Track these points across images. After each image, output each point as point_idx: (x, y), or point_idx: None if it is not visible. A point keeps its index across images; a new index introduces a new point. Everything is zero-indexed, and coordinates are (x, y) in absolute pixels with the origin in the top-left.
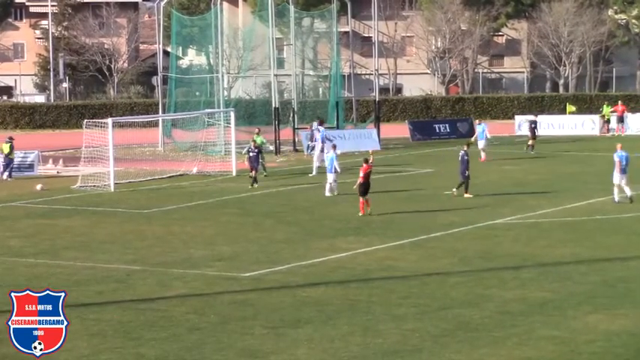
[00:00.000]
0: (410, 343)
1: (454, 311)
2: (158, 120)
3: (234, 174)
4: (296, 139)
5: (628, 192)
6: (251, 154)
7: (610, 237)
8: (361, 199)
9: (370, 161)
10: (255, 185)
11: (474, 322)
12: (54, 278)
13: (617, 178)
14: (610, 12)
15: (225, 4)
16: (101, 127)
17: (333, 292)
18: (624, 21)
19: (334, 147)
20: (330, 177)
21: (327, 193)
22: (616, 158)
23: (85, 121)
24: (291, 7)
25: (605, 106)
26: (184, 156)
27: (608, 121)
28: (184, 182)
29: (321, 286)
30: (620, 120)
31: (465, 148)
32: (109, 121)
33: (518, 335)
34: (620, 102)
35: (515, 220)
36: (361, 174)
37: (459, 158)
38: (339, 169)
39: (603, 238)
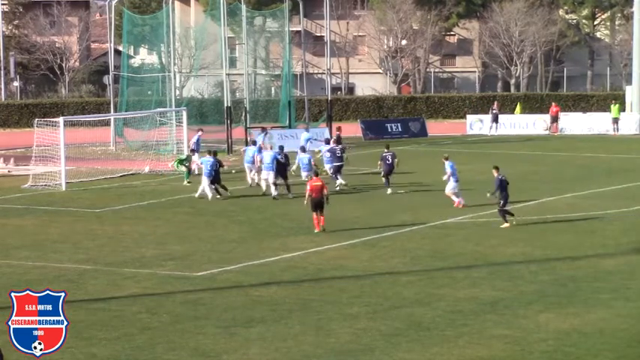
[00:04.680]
0: (362, 343)
1: (406, 310)
2: (110, 119)
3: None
4: (248, 139)
5: (456, 199)
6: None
7: (560, 236)
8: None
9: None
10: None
11: (425, 322)
12: (5, 278)
13: (449, 186)
14: (561, 12)
15: (177, 3)
16: (52, 126)
17: (285, 292)
18: (575, 21)
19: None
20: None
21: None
22: (448, 169)
23: (37, 120)
24: (243, 6)
25: (612, 105)
26: (136, 155)
27: (616, 121)
28: (136, 181)
29: (273, 285)
30: (555, 120)
31: None
32: (61, 120)
33: (470, 334)
34: (554, 103)
35: (466, 220)
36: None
37: None
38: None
39: (553, 237)
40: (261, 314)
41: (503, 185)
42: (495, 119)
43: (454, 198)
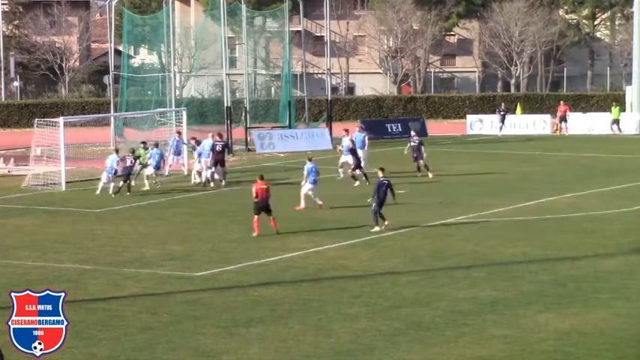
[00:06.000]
0: (362, 342)
1: (406, 310)
2: (110, 119)
3: (185, 173)
4: (248, 139)
5: (318, 201)
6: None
7: (560, 236)
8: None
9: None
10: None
11: (425, 322)
12: (5, 278)
13: (305, 187)
14: (561, 12)
15: (177, 3)
16: (52, 126)
17: (285, 292)
18: (575, 21)
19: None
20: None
21: None
22: (305, 170)
23: (36, 120)
24: (243, 6)
25: (613, 107)
26: None
27: (617, 122)
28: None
29: (273, 285)
30: (563, 119)
31: None
32: (61, 120)
33: (470, 334)
34: (562, 102)
35: (466, 220)
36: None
37: None
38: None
39: (553, 237)
40: (261, 314)
41: (378, 188)
42: (503, 120)
43: (302, 203)
